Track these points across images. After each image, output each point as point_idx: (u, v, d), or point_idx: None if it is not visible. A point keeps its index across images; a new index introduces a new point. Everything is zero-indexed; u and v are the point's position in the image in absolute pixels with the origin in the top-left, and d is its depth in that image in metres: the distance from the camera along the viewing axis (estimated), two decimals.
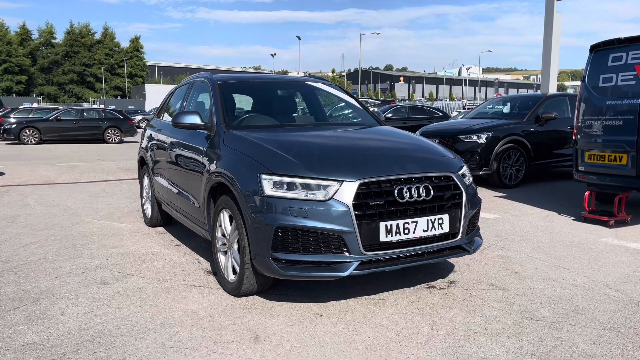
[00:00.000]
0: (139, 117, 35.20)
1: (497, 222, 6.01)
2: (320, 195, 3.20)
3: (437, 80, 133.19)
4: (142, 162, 6.13)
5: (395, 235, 3.27)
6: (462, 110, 36.54)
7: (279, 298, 3.64)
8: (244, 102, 5.09)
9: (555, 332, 3.09)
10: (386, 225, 3.24)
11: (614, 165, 6.14)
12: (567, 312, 3.39)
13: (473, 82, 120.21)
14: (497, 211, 6.64)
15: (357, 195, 3.20)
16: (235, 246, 3.61)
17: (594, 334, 3.08)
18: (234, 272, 3.67)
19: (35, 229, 5.81)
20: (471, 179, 3.86)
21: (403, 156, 3.65)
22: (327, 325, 3.19)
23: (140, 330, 3.14)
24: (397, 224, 3.28)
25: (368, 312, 3.40)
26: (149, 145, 5.79)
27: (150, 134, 5.82)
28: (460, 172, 3.67)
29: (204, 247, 4.94)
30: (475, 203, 3.76)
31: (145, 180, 6.00)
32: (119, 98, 78.51)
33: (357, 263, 3.20)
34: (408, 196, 3.30)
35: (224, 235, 3.80)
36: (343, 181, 3.22)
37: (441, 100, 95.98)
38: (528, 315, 3.34)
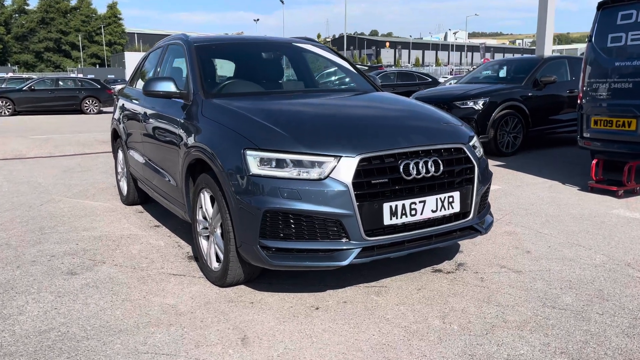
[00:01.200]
0: (118, 87, 34.11)
1: (499, 194, 5.64)
2: (314, 173, 2.76)
3: (423, 46, 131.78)
4: (115, 135, 5.62)
5: (401, 217, 2.86)
6: (450, 76, 36.00)
7: (269, 288, 3.24)
8: (224, 68, 4.58)
9: (583, 324, 2.74)
10: (391, 207, 2.83)
11: (622, 131, 5.77)
12: (592, 299, 3.04)
13: (460, 47, 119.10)
14: (497, 182, 6.27)
15: (357, 173, 2.77)
16: (218, 231, 3.18)
17: (625, 324, 2.73)
18: (218, 259, 3.25)
19: None
20: (482, 150, 3.44)
21: (407, 126, 3.21)
22: (325, 321, 2.80)
23: (110, 331, 2.72)
24: (403, 205, 2.86)
25: (370, 303, 3.01)
26: (121, 116, 5.27)
27: (123, 104, 5.29)
28: (471, 143, 3.25)
29: (185, 228, 4.51)
30: (487, 178, 3.36)
31: (120, 154, 5.50)
32: (97, 67, 76.41)
33: (358, 250, 2.79)
34: (415, 172, 2.88)
35: (205, 218, 3.36)
36: (340, 157, 2.78)
37: (427, 66, 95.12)
38: (549, 303, 2.98)
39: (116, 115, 5.49)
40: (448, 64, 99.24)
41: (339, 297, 3.09)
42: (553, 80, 8.54)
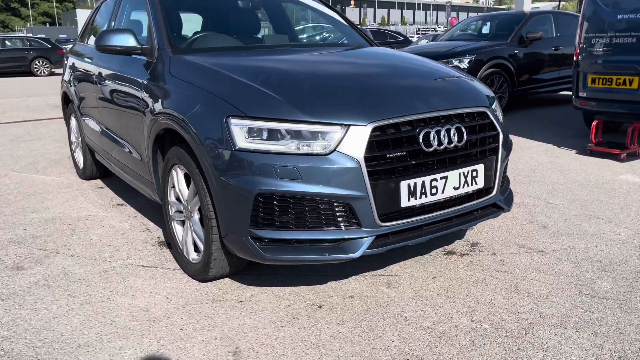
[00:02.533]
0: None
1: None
2: (317, 146, 2.23)
3: (389, 4, 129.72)
4: (66, 99, 4.90)
5: (420, 197, 2.38)
6: (418, 36, 35.31)
7: (259, 281, 2.73)
8: (193, 21, 3.92)
9: (633, 317, 2.35)
10: (409, 185, 2.33)
11: (623, 90, 5.40)
12: (632, 284, 2.66)
13: (426, 6, 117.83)
14: None
15: (370, 145, 2.25)
16: (197, 216, 2.64)
17: None
18: (197, 249, 2.71)
19: None
20: (501, 114, 2.97)
21: (423, 87, 2.69)
22: (332, 324, 2.33)
23: (65, 349, 2.18)
24: (423, 182, 2.37)
25: (381, 298, 2.55)
26: (72, 77, 4.55)
27: (74, 63, 4.57)
28: (493, 106, 2.77)
29: (154, 207, 3.93)
30: (509, 147, 2.90)
31: (73, 121, 4.80)
32: (48, 26, 72.26)
33: (371, 239, 2.31)
34: (436, 143, 2.39)
35: (179, 199, 2.80)
36: (349, 125, 2.25)
37: (393, 25, 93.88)
38: (586, 291, 2.58)
39: (66, 77, 4.76)
40: (414, 23, 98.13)
41: (343, 291, 2.62)
42: (539, 36, 8.11)
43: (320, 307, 2.48)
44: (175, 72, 2.80)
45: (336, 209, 2.26)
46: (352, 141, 2.23)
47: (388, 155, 2.30)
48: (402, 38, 18.13)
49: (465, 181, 2.52)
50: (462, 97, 2.66)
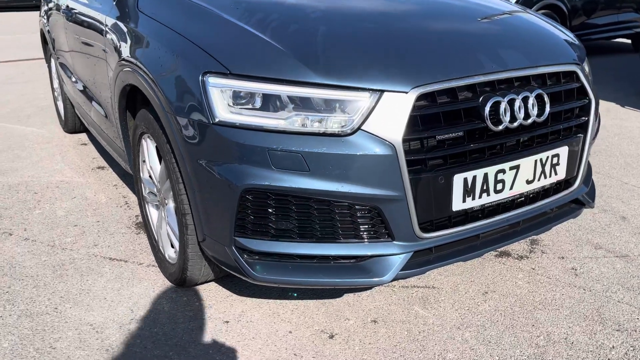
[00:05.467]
0: None
1: None
2: (334, 122, 1.50)
3: None
4: (44, 39, 4.18)
5: (481, 196, 1.66)
6: None
7: (255, 289, 2.09)
8: None
9: None
10: (465, 180, 1.61)
11: None
12: None
13: None
14: None
15: (413, 122, 1.52)
16: (171, 204, 1.96)
17: None
18: (173, 246, 2.06)
19: None
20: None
21: (489, 34, 1.90)
22: None
23: None
24: (485, 175, 1.64)
25: (415, 325, 1.88)
26: (46, 11, 3.81)
27: None
28: (584, 64, 1.98)
29: None
30: (598, 122, 2.13)
31: (53, 65, 4.10)
32: None
33: (406, 256, 1.61)
34: (508, 118, 1.63)
35: (152, 178, 2.12)
36: (382, 91, 1.51)
37: None
38: None
39: (42, 11, 4.02)
40: None
41: (364, 311, 1.95)
42: None
43: (332, 336, 1.83)
44: (143, 6, 2.05)
45: (358, 215, 1.56)
46: (386, 115, 1.49)
47: (439, 138, 1.56)
48: None
49: (543, 171, 1.79)
50: (543, 49, 1.88)
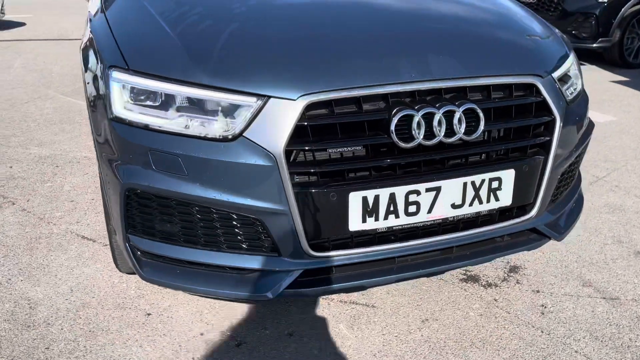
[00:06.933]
0: None
1: (608, 131, 3.90)
2: (217, 127, 1.43)
3: None
4: None
5: (387, 218, 1.50)
6: None
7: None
8: None
9: None
10: (365, 199, 1.46)
11: None
12: None
13: None
14: (610, 108, 4.45)
15: (299, 132, 1.40)
16: None
17: None
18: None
19: None
20: (579, 84, 1.88)
21: (425, 38, 1.69)
22: None
23: None
24: (392, 195, 1.48)
25: (332, 346, 1.77)
26: None
27: None
28: (556, 74, 1.71)
29: None
30: (579, 138, 1.83)
31: None
32: None
33: (294, 274, 1.51)
34: (422, 134, 1.45)
35: None
36: (268, 97, 1.41)
37: None
38: None
39: None
40: None
41: (284, 323, 1.87)
42: None
43: (239, 345, 1.77)
44: (107, 5, 2.07)
45: (241, 226, 1.48)
46: (270, 123, 1.40)
47: (332, 151, 1.43)
48: None
49: (476, 196, 1.58)
50: (492, 56, 1.65)
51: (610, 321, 1.90)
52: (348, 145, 1.43)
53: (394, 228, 1.53)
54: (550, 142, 1.65)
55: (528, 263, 2.24)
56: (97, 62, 1.67)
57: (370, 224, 1.49)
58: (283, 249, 1.48)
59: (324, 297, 1.99)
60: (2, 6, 8.75)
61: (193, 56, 1.49)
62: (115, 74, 1.54)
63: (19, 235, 2.45)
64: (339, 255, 1.52)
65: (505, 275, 2.16)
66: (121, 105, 1.52)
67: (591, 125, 1.98)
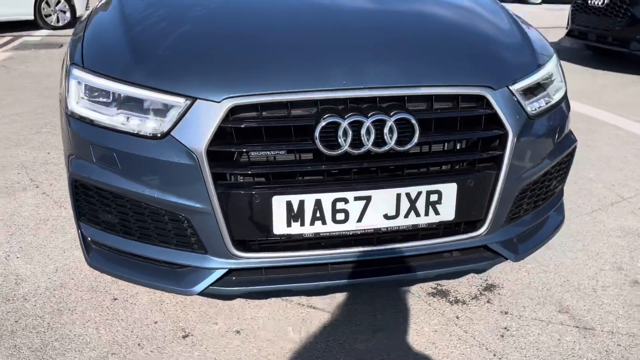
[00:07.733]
0: None
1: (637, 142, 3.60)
2: (149, 125, 1.49)
3: None
4: None
5: (313, 223, 1.50)
6: None
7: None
8: None
9: None
10: (289, 203, 1.47)
11: None
12: None
13: None
14: (636, 115, 4.10)
15: (221, 134, 1.43)
16: None
17: None
18: None
19: None
20: (556, 97, 1.77)
21: (366, 44, 1.65)
22: None
23: None
24: (318, 201, 1.48)
25: (272, 347, 1.79)
26: None
27: None
28: (518, 86, 1.62)
29: None
30: (549, 153, 1.73)
31: None
32: None
33: (219, 272, 1.55)
34: (348, 142, 1.44)
35: None
36: (196, 98, 1.45)
37: None
38: None
39: None
40: None
41: (236, 319, 1.91)
42: None
43: (185, 336, 1.84)
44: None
45: (169, 222, 1.53)
46: (195, 124, 1.44)
47: (256, 154, 1.45)
48: None
49: (412, 208, 1.53)
50: (440, 65, 1.59)
51: (574, 352, 1.77)
52: (272, 149, 1.45)
53: (322, 234, 1.52)
54: (502, 156, 1.57)
55: (507, 282, 2.14)
56: (67, 60, 1.79)
57: (296, 229, 1.50)
58: (209, 247, 1.52)
59: (283, 298, 2.01)
60: (87, 1, 9.45)
61: (136, 57, 1.56)
62: (74, 71, 1.65)
63: (31, 215, 2.66)
64: (265, 258, 1.53)
65: (479, 292, 2.07)
66: (75, 101, 1.62)
67: (570, 141, 1.85)
